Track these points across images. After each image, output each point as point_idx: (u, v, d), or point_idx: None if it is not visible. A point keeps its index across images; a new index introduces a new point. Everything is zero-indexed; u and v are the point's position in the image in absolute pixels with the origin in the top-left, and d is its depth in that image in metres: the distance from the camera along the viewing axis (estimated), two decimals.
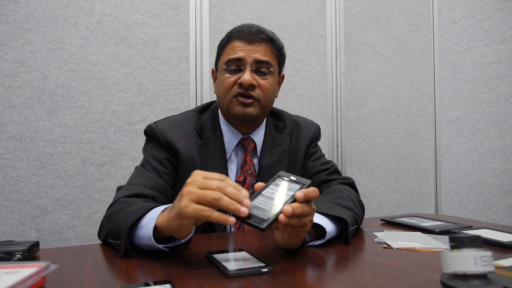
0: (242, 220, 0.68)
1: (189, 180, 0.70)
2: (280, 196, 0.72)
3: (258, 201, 0.72)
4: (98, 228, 0.94)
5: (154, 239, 0.75)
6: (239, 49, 1.08)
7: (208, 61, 1.91)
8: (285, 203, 0.70)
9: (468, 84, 2.39)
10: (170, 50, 1.85)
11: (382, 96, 2.42)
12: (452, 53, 2.50)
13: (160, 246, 0.76)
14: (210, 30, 1.93)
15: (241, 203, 0.66)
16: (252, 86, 1.07)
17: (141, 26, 1.79)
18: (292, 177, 0.77)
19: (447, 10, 2.56)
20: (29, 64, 1.60)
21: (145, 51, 1.80)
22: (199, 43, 1.90)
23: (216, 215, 0.65)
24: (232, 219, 0.65)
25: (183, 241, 0.78)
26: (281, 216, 0.68)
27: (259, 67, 1.08)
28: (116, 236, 0.79)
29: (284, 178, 0.77)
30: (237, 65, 1.08)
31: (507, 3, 2.18)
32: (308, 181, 0.75)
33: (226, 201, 0.65)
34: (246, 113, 1.08)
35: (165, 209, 0.77)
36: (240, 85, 1.07)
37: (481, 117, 2.31)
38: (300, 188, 0.73)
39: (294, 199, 0.71)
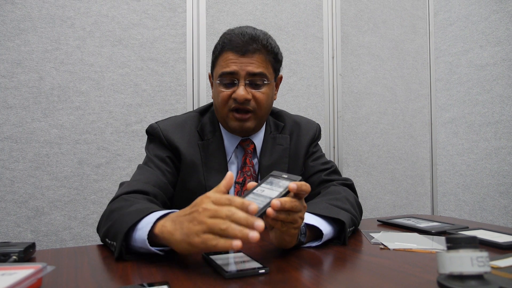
0: None
1: (200, 208, 0.68)
2: (270, 193, 0.73)
3: (248, 199, 0.72)
4: (94, 229, 0.94)
5: (150, 241, 0.74)
6: (231, 62, 1.05)
7: (205, 62, 1.91)
8: (273, 198, 0.70)
9: (464, 85, 2.40)
10: (167, 51, 1.84)
11: (378, 98, 2.43)
12: (448, 55, 2.52)
13: (154, 249, 0.75)
14: (207, 31, 1.93)
15: (252, 226, 0.64)
16: (247, 100, 1.06)
17: (138, 27, 1.79)
18: (284, 175, 0.77)
19: (443, 12, 2.57)
20: (26, 64, 1.59)
21: (142, 52, 1.80)
22: (196, 44, 1.90)
23: (221, 243, 0.64)
24: (236, 243, 0.63)
25: None
26: (269, 210, 0.68)
27: (253, 80, 1.07)
28: (113, 237, 0.79)
29: (276, 176, 0.77)
30: (230, 79, 1.07)
31: (502, 5, 2.20)
32: (299, 177, 0.75)
33: (233, 229, 0.63)
34: (243, 128, 1.09)
35: (165, 215, 0.76)
36: (235, 99, 1.06)
37: (476, 118, 2.32)
38: None
39: (284, 194, 0.71)
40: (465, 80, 2.39)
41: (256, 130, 1.16)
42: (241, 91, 1.05)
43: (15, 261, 0.71)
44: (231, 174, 0.74)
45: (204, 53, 1.91)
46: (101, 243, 0.90)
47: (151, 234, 0.74)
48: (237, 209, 0.66)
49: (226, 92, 1.08)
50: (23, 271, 0.55)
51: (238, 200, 0.67)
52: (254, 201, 0.71)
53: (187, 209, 0.72)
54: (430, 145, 2.62)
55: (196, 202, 0.71)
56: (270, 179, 0.77)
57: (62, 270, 0.70)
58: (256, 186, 0.76)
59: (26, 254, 0.76)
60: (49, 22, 1.64)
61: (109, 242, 0.81)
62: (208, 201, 0.68)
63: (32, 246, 0.79)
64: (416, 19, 2.60)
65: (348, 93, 2.32)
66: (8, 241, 0.84)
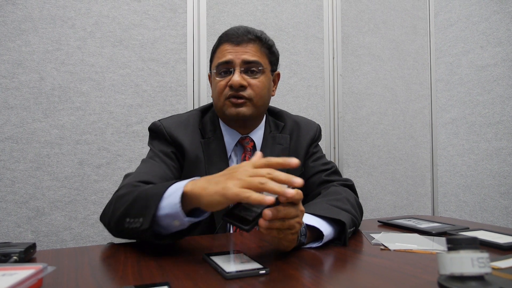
0: (228, 220, 0.71)
1: (241, 169, 0.71)
2: (268, 196, 0.72)
3: None
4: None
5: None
6: (227, 52, 1.09)
7: (205, 63, 1.91)
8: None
9: (464, 86, 2.40)
10: (168, 52, 1.85)
11: (379, 98, 2.43)
12: (449, 55, 2.52)
13: (184, 218, 0.74)
14: (208, 31, 1.93)
15: (291, 182, 0.67)
16: (242, 87, 1.08)
17: (138, 28, 1.79)
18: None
19: (443, 12, 2.57)
20: (26, 65, 1.60)
21: (143, 53, 1.80)
22: (196, 44, 1.90)
23: (255, 196, 0.66)
24: (270, 198, 0.65)
25: (203, 217, 0.78)
26: (261, 221, 0.68)
27: (248, 67, 1.09)
28: (139, 211, 0.77)
29: None
30: (226, 68, 1.09)
31: (502, 6, 2.20)
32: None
33: (272, 184, 0.67)
34: (239, 113, 1.09)
35: (196, 179, 0.78)
36: (231, 87, 1.08)
37: (477, 119, 2.32)
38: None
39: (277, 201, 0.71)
40: (466, 80, 2.39)
41: (253, 120, 1.16)
42: (236, 77, 1.07)
43: (15, 261, 0.71)
44: (260, 153, 0.77)
45: (204, 53, 1.91)
46: (101, 243, 0.90)
47: (183, 198, 0.74)
48: (275, 170, 0.69)
49: (222, 81, 1.10)
50: (23, 272, 0.55)
51: (275, 159, 0.71)
52: (250, 204, 0.71)
53: (223, 172, 0.76)
54: (430, 145, 2.62)
55: (233, 167, 0.75)
56: None
57: (62, 270, 0.70)
58: None
59: (27, 255, 0.76)
60: (50, 23, 1.64)
61: (131, 220, 0.79)
62: (248, 164, 0.73)
63: (32, 246, 0.79)
64: (416, 20, 2.60)
65: (349, 93, 2.32)
66: (9, 242, 0.84)
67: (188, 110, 1.86)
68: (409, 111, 2.55)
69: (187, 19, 1.89)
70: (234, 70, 1.08)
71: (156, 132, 1.14)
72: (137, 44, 1.79)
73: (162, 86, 1.83)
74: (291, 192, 0.66)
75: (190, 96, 1.88)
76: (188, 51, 1.88)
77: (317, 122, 1.31)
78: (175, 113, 1.81)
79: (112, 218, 0.86)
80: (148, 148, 1.17)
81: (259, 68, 1.10)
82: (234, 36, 1.09)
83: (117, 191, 0.93)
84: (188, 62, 1.88)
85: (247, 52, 1.09)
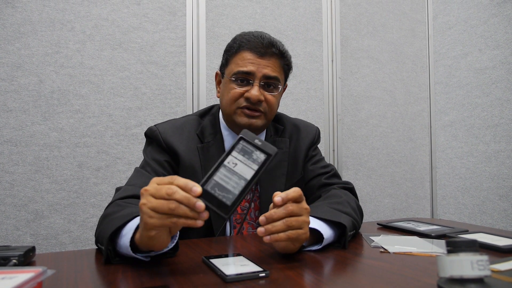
0: (204, 202, 0.65)
1: (141, 190, 0.67)
2: (243, 170, 0.67)
3: (221, 176, 0.67)
4: (93, 233, 0.94)
5: (135, 248, 0.74)
6: (249, 62, 1.06)
7: (204, 66, 1.91)
8: (249, 182, 0.66)
9: (463, 88, 2.41)
10: (167, 55, 1.85)
11: (378, 101, 2.43)
12: (447, 58, 2.52)
13: (138, 256, 0.74)
14: (207, 34, 1.93)
15: (193, 206, 0.63)
16: (259, 101, 1.07)
17: (138, 31, 1.80)
18: (257, 141, 0.69)
19: (442, 15, 2.58)
20: (26, 68, 1.60)
21: (142, 56, 1.80)
22: (196, 47, 1.91)
23: (182, 220, 0.64)
24: (200, 222, 0.64)
25: (164, 250, 0.76)
26: (260, 229, 0.69)
27: (267, 82, 1.08)
28: (102, 242, 0.78)
29: (248, 142, 0.69)
30: (245, 78, 1.07)
31: (500, 9, 2.21)
32: (275, 150, 0.68)
33: (183, 209, 0.63)
34: (252, 124, 1.09)
35: None
36: (247, 99, 1.07)
37: (476, 121, 2.33)
38: (266, 160, 0.67)
39: (258, 172, 0.67)
40: (464, 83, 2.40)
41: (260, 131, 1.17)
42: (256, 92, 1.06)
43: (15, 264, 0.71)
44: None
45: (204, 56, 1.91)
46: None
47: (135, 242, 0.73)
48: (177, 187, 0.64)
49: (238, 90, 1.08)
50: (23, 275, 0.55)
51: (181, 180, 0.66)
52: (226, 181, 0.67)
53: None
54: (429, 148, 2.62)
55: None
56: (242, 144, 0.69)
57: (62, 274, 0.70)
58: (226, 156, 0.69)
59: (26, 258, 0.75)
60: (49, 26, 1.64)
61: (99, 246, 0.82)
62: (152, 183, 0.68)
63: (32, 249, 0.79)
64: (415, 23, 2.61)
65: (348, 96, 2.33)
66: (8, 245, 0.84)
67: (187, 113, 1.86)
68: (408, 114, 2.55)
69: (186, 22, 1.89)
70: (253, 83, 1.07)
71: (152, 138, 1.13)
72: (136, 47, 1.79)
73: (161, 89, 1.83)
74: (200, 205, 0.63)
75: (189, 99, 1.88)
76: (187, 54, 1.89)
77: (316, 125, 1.32)
78: (174, 116, 1.82)
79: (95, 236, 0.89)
80: None
81: (278, 85, 1.10)
82: (259, 47, 1.07)
83: (107, 206, 0.94)
84: (188, 65, 1.89)
85: (269, 67, 1.07)
